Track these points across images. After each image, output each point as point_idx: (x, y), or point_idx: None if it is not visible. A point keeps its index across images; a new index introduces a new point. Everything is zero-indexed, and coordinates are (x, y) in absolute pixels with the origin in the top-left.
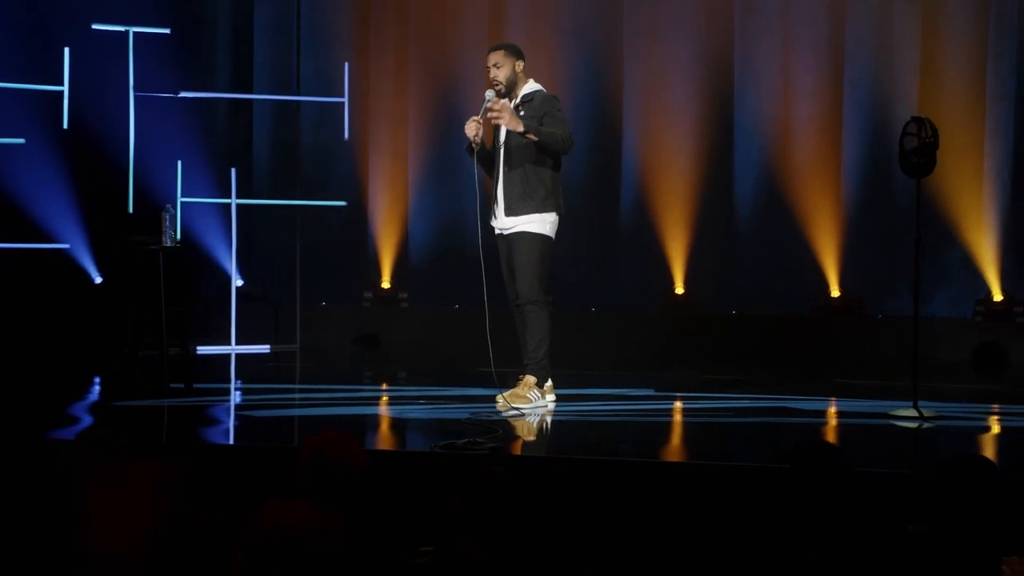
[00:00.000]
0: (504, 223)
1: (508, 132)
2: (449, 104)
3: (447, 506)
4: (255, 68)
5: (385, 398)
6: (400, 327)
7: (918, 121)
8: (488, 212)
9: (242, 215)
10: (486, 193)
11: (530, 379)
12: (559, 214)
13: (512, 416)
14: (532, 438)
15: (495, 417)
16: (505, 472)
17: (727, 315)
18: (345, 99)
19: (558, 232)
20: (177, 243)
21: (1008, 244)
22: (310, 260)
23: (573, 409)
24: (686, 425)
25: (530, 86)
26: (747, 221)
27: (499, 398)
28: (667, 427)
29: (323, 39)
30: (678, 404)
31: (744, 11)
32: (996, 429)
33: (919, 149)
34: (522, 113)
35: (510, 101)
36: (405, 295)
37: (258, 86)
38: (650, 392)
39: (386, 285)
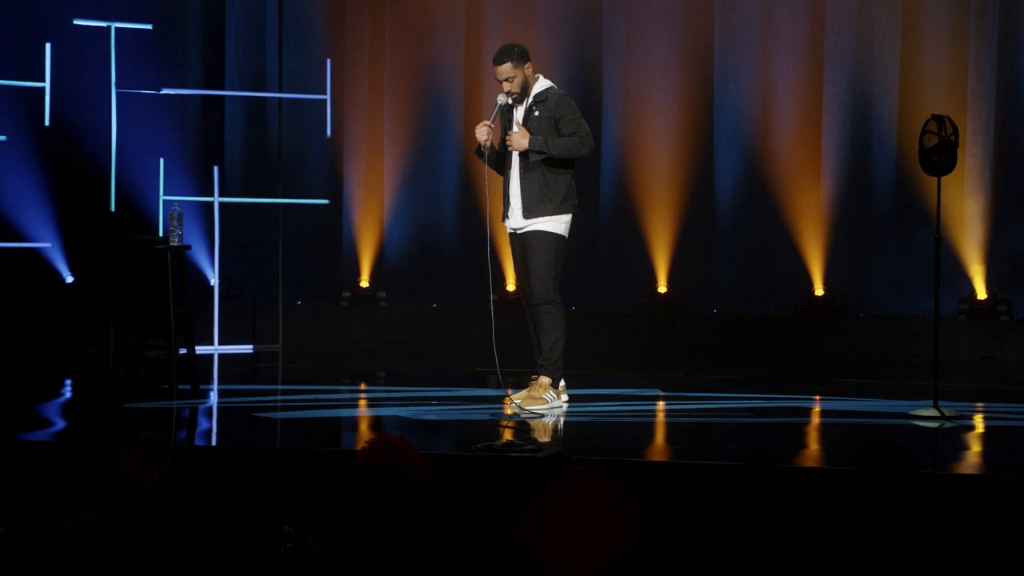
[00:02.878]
0: (520, 223)
1: (529, 130)
2: (427, 101)
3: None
4: (227, 65)
5: (397, 398)
6: (379, 326)
7: (939, 119)
8: (501, 213)
9: (209, 213)
10: (490, 194)
11: (544, 380)
12: (574, 213)
13: (529, 417)
14: (549, 439)
15: (514, 418)
16: (585, 471)
17: (710, 314)
18: (327, 96)
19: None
20: (186, 244)
21: (992, 242)
22: (285, 259)
23: (590, 410)
24: (715, 426)
25: (541, 83)
26: (729, 219)
27: (513, 398)
28: (697, 428)
29: (296, 35)
30: (694, 405)
31: (724, 9)
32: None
33: (939, 147)
34: (536, 113)
35: (523, 103)
36: (383, 294)
37: (229, 83)
38: (657, 392)
39: (364, 284)
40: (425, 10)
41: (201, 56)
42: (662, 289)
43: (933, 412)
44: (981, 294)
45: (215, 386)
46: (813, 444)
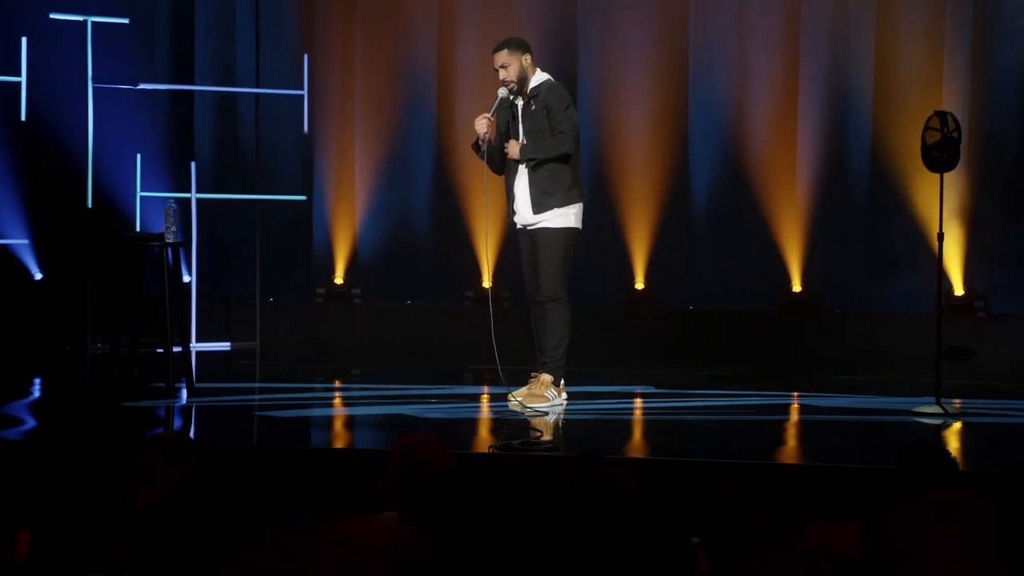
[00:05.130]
0: (530, 219)
1: (526, 128)
2: (400, 97)
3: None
4: (196, 60)
5: (395, 397)
6: (354, 323)
7: (941, 116)
8: (508, 208)
9: (188, 210)
10: (488, 189)
11: (546, 377)
12: (583, 201)
13: (533, 415)
14: (552, 437)
15: (518, 416)
16: (628, 475)
17: (688, 311)
18: (305, 92)
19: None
20: (182, 241)
21: (969, 238)
22: (254, 256)
23: (593, 407)
24: (722, 424)
25: (538, 77)
26: (706, 216)
27: (513, 396)
28: (706, 425)
29: (267, 31)
30: (693, 402)
31: (699, 6)
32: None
33: (941, 144)
34: (532, 108)
35: (520, 98)
36: (358, 291)
37: (199, 78)
38: (651, 389)
39: (339, 281)
40: (398, 5)
41: (170, 51)
42: (640, 286)
43: (936, 409)
44: (959, 290)
45: (213, 384)
46: (831, 442)
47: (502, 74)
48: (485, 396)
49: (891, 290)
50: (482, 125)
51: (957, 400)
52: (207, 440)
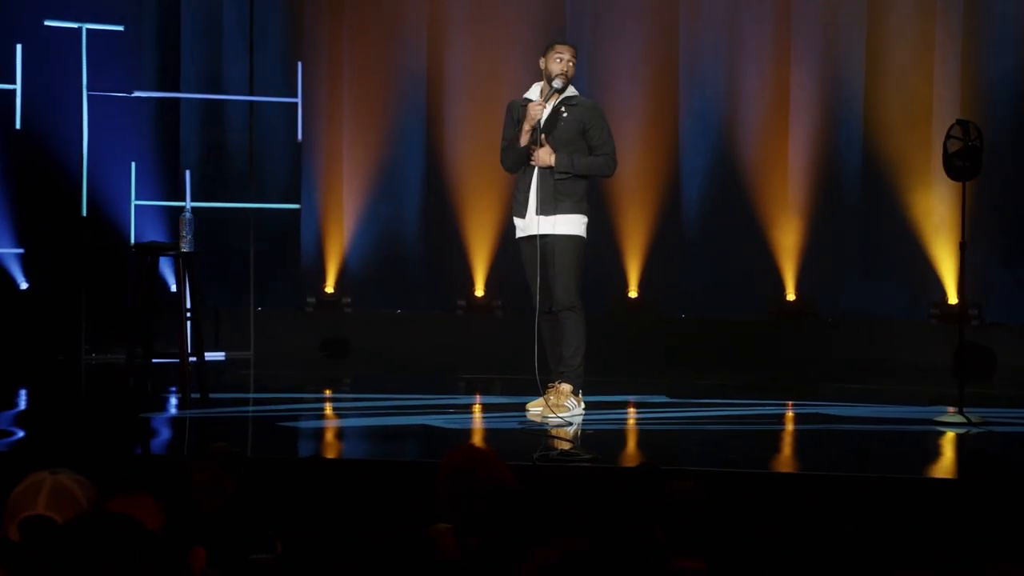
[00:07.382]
0: (534, 226)
1: (552, 135)
2: (389, 104)
3: (650, 534)
4: (183, 68)
5: (412, 407)
6: (345, 332)
7: (963, 124)
8: (515, 212)
9: (175, 219)
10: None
11: (565, 387)
12: (588, 216)
13: (556, 425)
14: (583, 449)
15: (538, 426)
16: (698, 487)
17: (681, 319)
18: (299, 99)
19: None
20: (197, 250)
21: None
22: (243, 265)
23: (612, 417)
24: (750, 434)
25: (572, 90)
26: (700, 225)
27: (531, 406)
28: (735, 435)
29: (256, 38)
30: (712, 411)
31: (689, 15)
32: None
33: (963, 152)
34: (565, 115)
35: (557, 98)
36: (348, 300)
37: (185, 86)
38: (663, 399)
39: (330, 289)
40: (386, 12)
41: (156, 59)
42: (633, 294)
43: (960, 418)
44: (952, 298)
45: (224, 395)
46: (871, 452)
47: (567, 67)
48: (502, 406)
49: (885, 298)
50: (538, 111)
51: (951, 408)
52: (245, 452)
